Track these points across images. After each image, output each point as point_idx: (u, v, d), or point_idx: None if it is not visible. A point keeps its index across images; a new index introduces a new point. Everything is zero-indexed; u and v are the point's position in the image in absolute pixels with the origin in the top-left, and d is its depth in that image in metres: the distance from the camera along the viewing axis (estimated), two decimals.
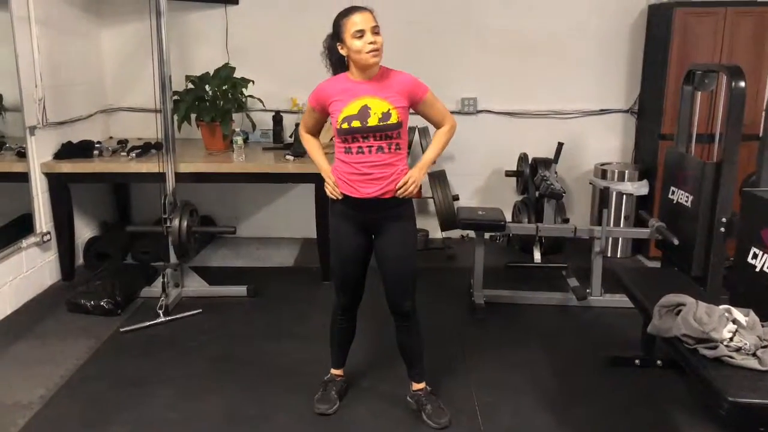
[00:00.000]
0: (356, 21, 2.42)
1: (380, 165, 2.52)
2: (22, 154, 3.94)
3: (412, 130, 4.59)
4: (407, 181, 2.56)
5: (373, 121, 2.48)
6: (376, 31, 2.43)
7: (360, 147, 2.51)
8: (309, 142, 2.80)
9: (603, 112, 5.04)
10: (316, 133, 2.80)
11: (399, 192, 2.56)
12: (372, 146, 2.50)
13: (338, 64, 2.58)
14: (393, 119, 2.49)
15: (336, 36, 2.49)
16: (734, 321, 2.33)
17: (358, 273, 2.73)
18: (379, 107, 2.48)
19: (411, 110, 2.61)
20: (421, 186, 2.68)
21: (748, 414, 2.04)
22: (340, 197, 2.61)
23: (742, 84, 3.18)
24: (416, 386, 2.85)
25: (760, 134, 3.93)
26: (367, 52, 2.42)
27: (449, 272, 4.54)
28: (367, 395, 2.98)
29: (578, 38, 4.89)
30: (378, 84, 2.52)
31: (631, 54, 4.91)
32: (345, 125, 2.49)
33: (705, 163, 3.37)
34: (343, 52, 2.49)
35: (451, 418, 2.74)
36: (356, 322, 2.88)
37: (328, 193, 2.65)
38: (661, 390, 3.04)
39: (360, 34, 2.41)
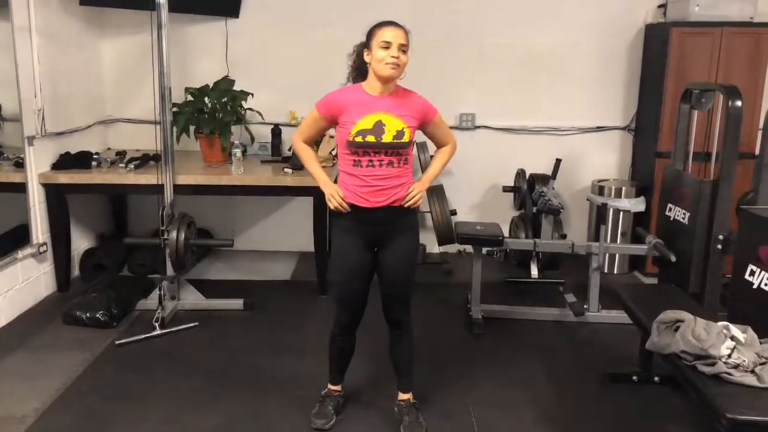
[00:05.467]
0: (386, 34, 2.48)
1: (390, 178, 2.57)
2: (19, 165, 3.93)
3: None
4: (412, 191, 2.61)
5: (387, 138, 2.51)
6: (403, 49, 2.48)
7: (371, 161, 2.54)
8: (305, 152, 2.74)
9: (600, 129, 5.07)
10: (312, 143, 2.79)
11: (406, 201, 2.60)
12: (383, 161, 2.54)
13: (359, 70, 2.64)
14: (406, 138, 2.54)
15: (366, 42, 2.55)
16: (732, 338, 2.33)
17: (363, 288, 2.71)
18: (393, 125, 2.52)
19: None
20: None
21: (747, 431, 2.04)
22: (347, 209, 2.61)
23: (739, 103, 3.21)
24: (402, 396, 2.86)
25: (756, 153, 3.97)
26: (387, 63, 2.46)
27: (446, 287, 4.53)
28: (364, 410, 2.96)
29: (576, 56, 4.93)
30: (393, 101, 2.57)
31: (629, 72, 4.95)
32: (359, 138, 2.51)
33: (702, 180, 3.39)
34: (367, 58, 2.54)
35: None
36: (355, 340, 2.87)
37: (333, 207, 2.62)
38: (658, 406, 3.04)
39: (386, 45, 2.46)
